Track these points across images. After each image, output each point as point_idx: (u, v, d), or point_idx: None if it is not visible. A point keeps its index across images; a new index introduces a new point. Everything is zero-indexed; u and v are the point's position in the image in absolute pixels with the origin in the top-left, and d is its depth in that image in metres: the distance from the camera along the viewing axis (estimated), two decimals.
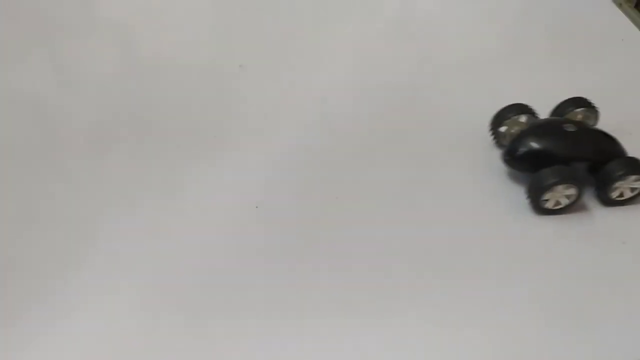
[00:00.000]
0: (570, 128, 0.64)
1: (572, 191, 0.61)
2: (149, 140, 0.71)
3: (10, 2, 0.94)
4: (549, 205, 0.62)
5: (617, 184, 0.62)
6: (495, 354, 0.51)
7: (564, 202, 0.62)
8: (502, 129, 0.69)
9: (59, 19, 0.92)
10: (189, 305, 0.54)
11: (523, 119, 0.69)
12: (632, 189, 0.63)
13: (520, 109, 0.69)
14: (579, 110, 0.69)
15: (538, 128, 0.66)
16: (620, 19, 0.94)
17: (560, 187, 0.61)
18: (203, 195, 0.65)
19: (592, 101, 0.69)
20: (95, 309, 0.53)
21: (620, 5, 0.97)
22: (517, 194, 0.64)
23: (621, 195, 0.63)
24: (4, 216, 0.61)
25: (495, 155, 0.68)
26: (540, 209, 0.63)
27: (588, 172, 0.64)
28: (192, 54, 0.86)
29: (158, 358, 0.50)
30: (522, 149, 0.65)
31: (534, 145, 0.64)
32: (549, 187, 0.60)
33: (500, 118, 0.70)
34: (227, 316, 0.53)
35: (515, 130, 0.68)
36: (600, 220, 0.63)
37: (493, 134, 0.71)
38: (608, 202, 0.64)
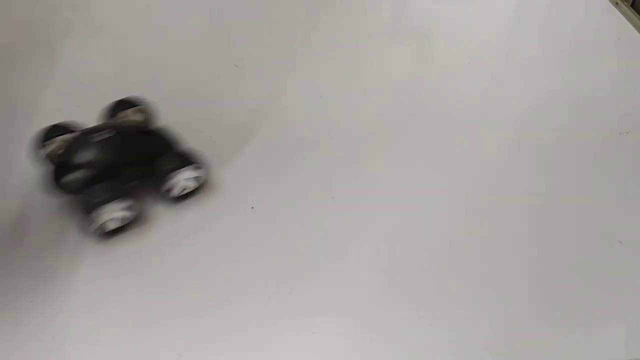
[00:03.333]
0: (102, 136, 0.58)
1: (129, 202, 0.57)
2: None
3: (7, 4, 0.94)
4: (112, 225, 0.57)
5: (174, 179, 0.59)
6: None
7: (125, 217, 0.57)
8: (43, 152, 0.60)
9: (56, 20, 0.92)
10: None
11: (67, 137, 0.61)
12: (196, 178, 0.60)
13: (62, 129, 0.61)
14: (130, 110, 0.64)
15: (72, 146, 0.59)
16: (617, 18, 0.94)
17: (111, 206, 0.55)
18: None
19: (141, 98, 0.65)
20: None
21: (616, 5, 0.97)
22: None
23: (184, 188, 0.60)
24: None
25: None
26: (103, 235, 0.57)
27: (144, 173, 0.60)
28: (188, 54, 0.86)
29: None
30: (62, 173, 0.57)
31: (71, 164, 0.57)
32: (96, 210, 0.55)
33: (46, 138, 0.61)
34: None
35: (57, 151, 0.60)
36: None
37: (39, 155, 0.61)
38: (175, 199, 0.61)
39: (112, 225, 0.57)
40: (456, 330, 0.53)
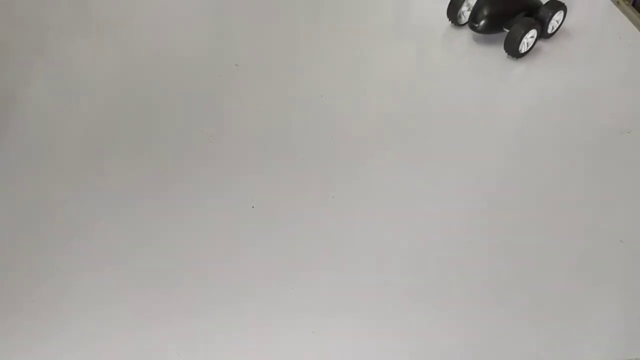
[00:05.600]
0: None
1: (533, 33, 0.83)
2: (149, 141, 0.71)
3: (6, 4, 0.93)
4: (523, 49, 0.83)
5: (551, 21, 0.85)
6: None
7: (530, 42, 0.84)
8: (464, 8, 0.87)
9: (55, 20, 0.92)
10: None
11: None
12: (557, 21, 0.88)
13: None
14: None
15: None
16: (618, 17, 0.94)
17: (529, 33, 0.82)
18: (195, 194, 0.64)
19: None
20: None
21: (617, 4, 0.97)
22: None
23: (552, 28, 0.87)
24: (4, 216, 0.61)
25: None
26: (518, 54, 0.83)
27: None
28: (189, 54, 0.85)
29: None
30: (486, 13, 0.84)
31: (492, 9, 0.84)
32: (523, 37, 0.81)
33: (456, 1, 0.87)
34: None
35: (470, 4, 0.86)
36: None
37: (450, 19, 0.89)
38: (547, 36, 0.87)
39: (524, 49, 0.83)
40: (456, 330, 0.53)
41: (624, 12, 0.95)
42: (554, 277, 0.58)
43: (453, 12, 0.88)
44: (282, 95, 0.79)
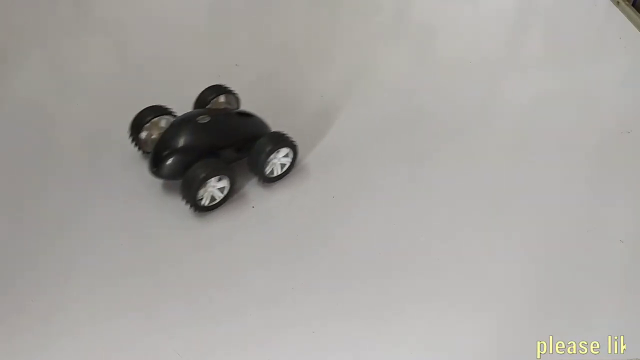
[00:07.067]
0: (204, 119, 0.62)
1: (224, 183, 0.61)
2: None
3: (6, 4, 0.93)
4: (206, 202, 0.61)
5: (269, 160, 0.63)
6: None
7: (219, 195, 0.61)
8: (143, 134, 0.65)
9: (56, 20, 0.92)
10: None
11: (163, 122, 0.65)
12: (282, 165, 0.64)
13: (158, 110, 0.65)
14: (221, 97, 0.68)
15: (173, 128, 0.62)
16: (618, 17, 0.94)
17: (212, 181, 0.60)
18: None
19: (229, 86, 0.69)
20: None
21: (617, 4, 0.97)
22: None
23: (272, 172, 0.64)
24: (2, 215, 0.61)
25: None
26: (201, 209, 0.61)
27: (237, 154, 0.64)
28: (189, 54, 0.85)
29: None
30: (165, 156, 0.60)
31: (174, 147, 0.60)
32: (200, 185, 0.59)
33: (138, 123, 0.65)
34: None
35: (155, 135, 0.64)
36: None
37: (134, 141, 0.66)
38: (266, 179, 0.64)
39: (207, 202, 0.60)
40: (456, 329, 0.53)
41: (623, 12, 0.95)
42: (553, 277, 0.58)
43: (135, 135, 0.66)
44: (282, 95, 0.79)
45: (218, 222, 0.60)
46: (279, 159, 0.63)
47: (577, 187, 0.67)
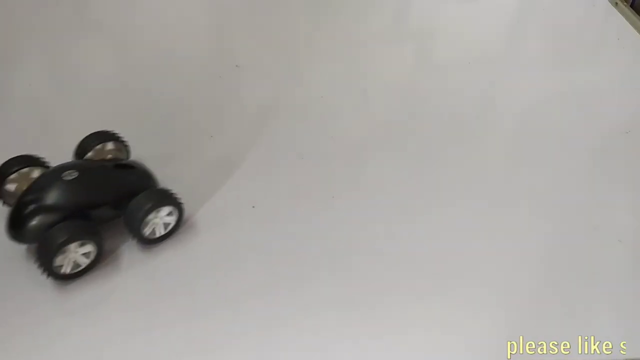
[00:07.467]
0: (71, 175, 0.54)
1: (89, 247, 0.53)
2: (149, 141, 0.71)
3: (6, 4, 0.93)
4: (68, 269, 0.52)
5: (147, 220, 0.55)
6: None
7: (84, 261, 0.53)
8: (10, 187, 0.56)
9: (56, 20, 0.92)
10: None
11: (35, 173, 0.57)
12: (166, 225, 0.56)
13: (28, 160, 0.57)
14: (108, 144, 0.60)
15: (36, 186, 0.54)
16: (616, 18, 0.94)
17: (72, 247, 0.51)
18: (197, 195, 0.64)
19: (118, 133, 0.61)
20: None
21: (616, 4, 0.97)
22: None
23: (153, 232, 0.56)
24: None
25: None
26: (61, 277, 0.52)
27: (115, 211, 0.56)
28: (189, 54, 0.86)
29: None
30: (24, 217, 0.52)
31: (34, 208, 0.52)
32: (57, 252, 0.50)
33: (3, 173, 0.56)
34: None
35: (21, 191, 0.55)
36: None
37: None
38: (146, 241, 0.56)
39: (69, 270, 0.52)
40: (456, 329, 0.53)
41: (622, 13, 0.95)
42: (553, 277, 0.58)
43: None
44: (282, 95, 0.79)
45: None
46: (162, 218, 0.56)
47: (576, 186, 0.68)
